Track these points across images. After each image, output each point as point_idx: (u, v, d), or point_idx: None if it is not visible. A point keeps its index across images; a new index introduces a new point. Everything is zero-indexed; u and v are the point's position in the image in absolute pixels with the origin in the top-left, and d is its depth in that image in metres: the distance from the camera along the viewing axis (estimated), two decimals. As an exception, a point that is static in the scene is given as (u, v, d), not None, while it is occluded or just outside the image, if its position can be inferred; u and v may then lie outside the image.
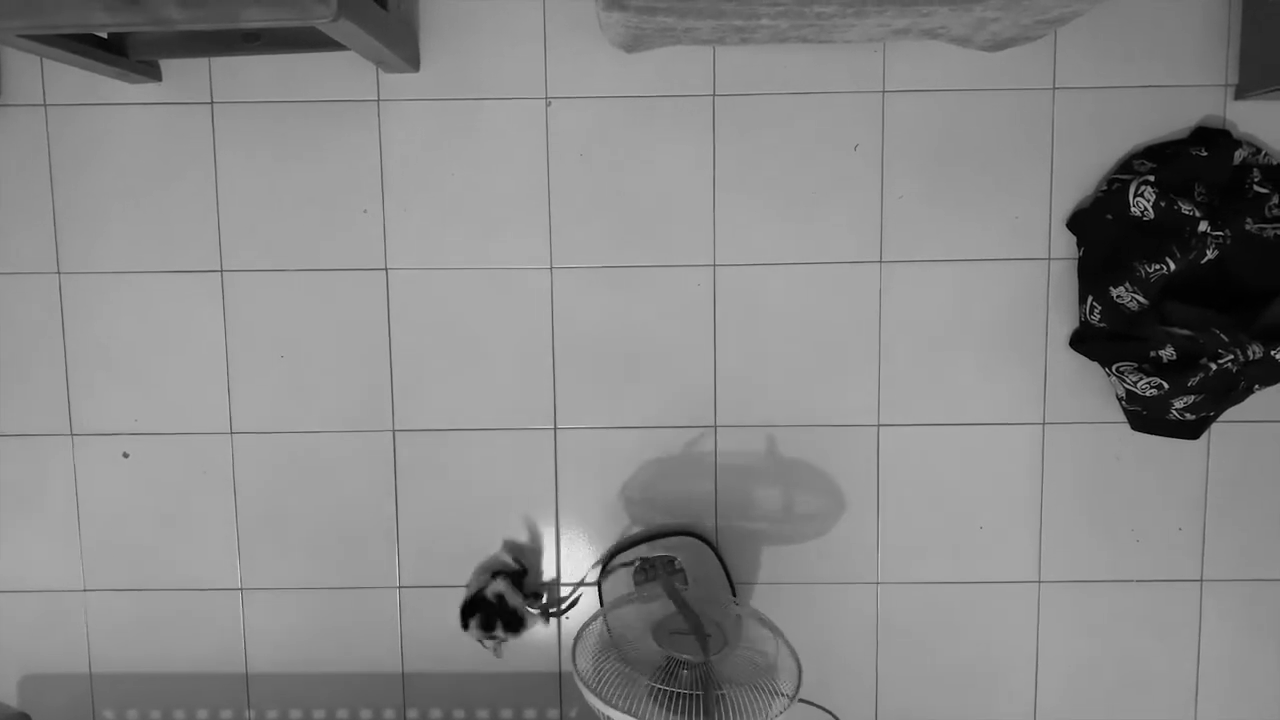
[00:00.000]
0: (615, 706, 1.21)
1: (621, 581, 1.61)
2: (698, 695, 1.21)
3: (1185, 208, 1.46)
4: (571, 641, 1.34)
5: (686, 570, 1.58)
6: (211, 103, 1.59)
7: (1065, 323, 1.60)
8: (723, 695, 1.23)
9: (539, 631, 1.64)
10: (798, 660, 1.33)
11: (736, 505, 1.63)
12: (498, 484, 1.63)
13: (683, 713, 1.23)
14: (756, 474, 1.62)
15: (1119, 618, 1.64)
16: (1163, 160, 1.53)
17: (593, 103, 1.58)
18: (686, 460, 1.62)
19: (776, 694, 1.25)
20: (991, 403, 1.61)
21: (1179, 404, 1.51)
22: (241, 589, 1.65)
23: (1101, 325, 1.55)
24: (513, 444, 1.62)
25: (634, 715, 1.20)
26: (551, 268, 1.60)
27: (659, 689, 1.24)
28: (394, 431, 1.63)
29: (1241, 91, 1.55)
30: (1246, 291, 1.51)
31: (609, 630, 1.37)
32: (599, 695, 1.23)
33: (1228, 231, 1.46)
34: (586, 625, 1.36)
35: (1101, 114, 1.57)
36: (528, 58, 1.57)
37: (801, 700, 1.47)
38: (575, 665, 1.29)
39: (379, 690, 1.66)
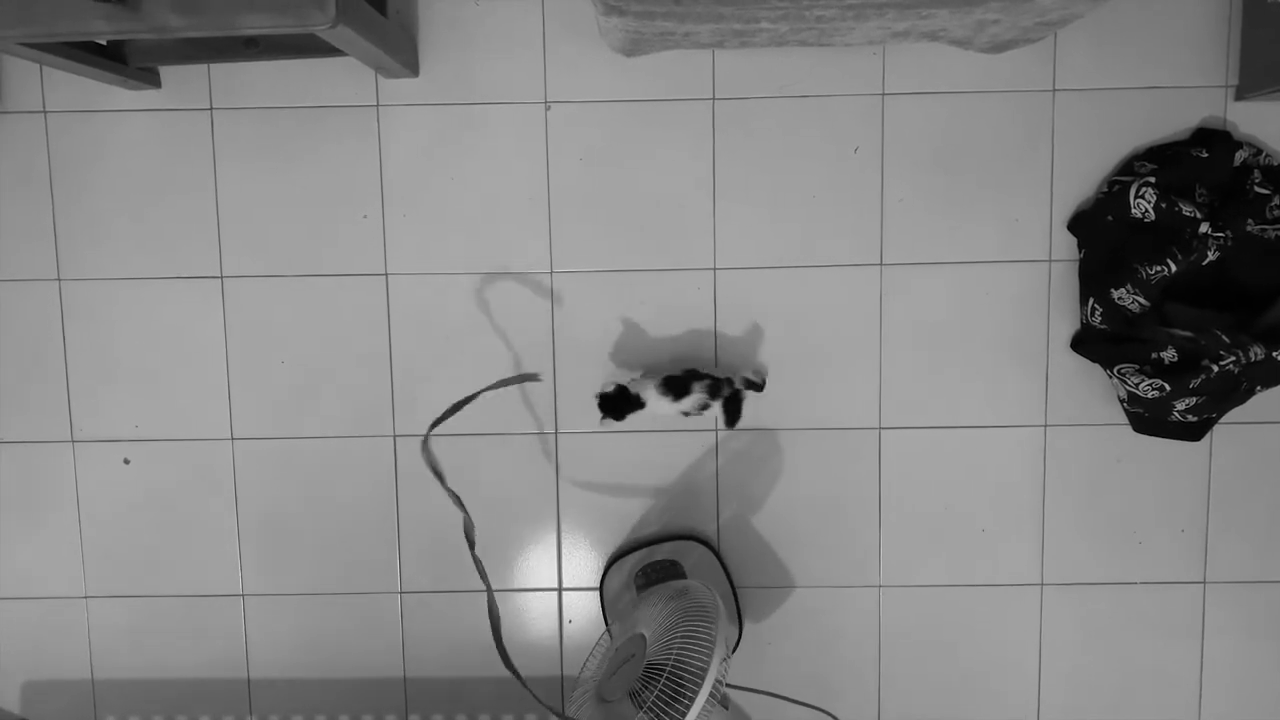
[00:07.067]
0: None
1: (624, 587, 1.61)
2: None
3: (1186, 209, 1.46)
4: (567, 651, 1.33)
5: (689, 574, 1.57)
6: (211, 109, 1.59)
7: (1066, 325, 1.60)
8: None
9: (541, 635, 1.65)
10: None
11: (738, 509, 1.63)
12: (499, 489, 1.63)
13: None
14: (758, 478, 1.62)
15: (1121, 620, 1.63)
16: (1163, 162, 1.53)
17: (592, 107, 1.58)
18: (688, 464, 1.62)
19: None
20: (993, 405, 1.61)
21: (1181, 406, 1.51)
22: (243, 595, 1.65)
23: (1103, 327, 1.54)
24: (514, 449, 1.62)
25: None
26: (552, 272, 1.60)
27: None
28: (395, 437, 1.62)
29: (1242, 92, 1.54)
30: (1248, 293, 1.51)
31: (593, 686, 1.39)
32: None
33: (1229, 233, 1.46)
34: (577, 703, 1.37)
35: (1102, 115, 1.57)
36: (527, 62, 1.57)
37: (805, 705, 1.49)
38: None
39: (381, 695, 1.66)
